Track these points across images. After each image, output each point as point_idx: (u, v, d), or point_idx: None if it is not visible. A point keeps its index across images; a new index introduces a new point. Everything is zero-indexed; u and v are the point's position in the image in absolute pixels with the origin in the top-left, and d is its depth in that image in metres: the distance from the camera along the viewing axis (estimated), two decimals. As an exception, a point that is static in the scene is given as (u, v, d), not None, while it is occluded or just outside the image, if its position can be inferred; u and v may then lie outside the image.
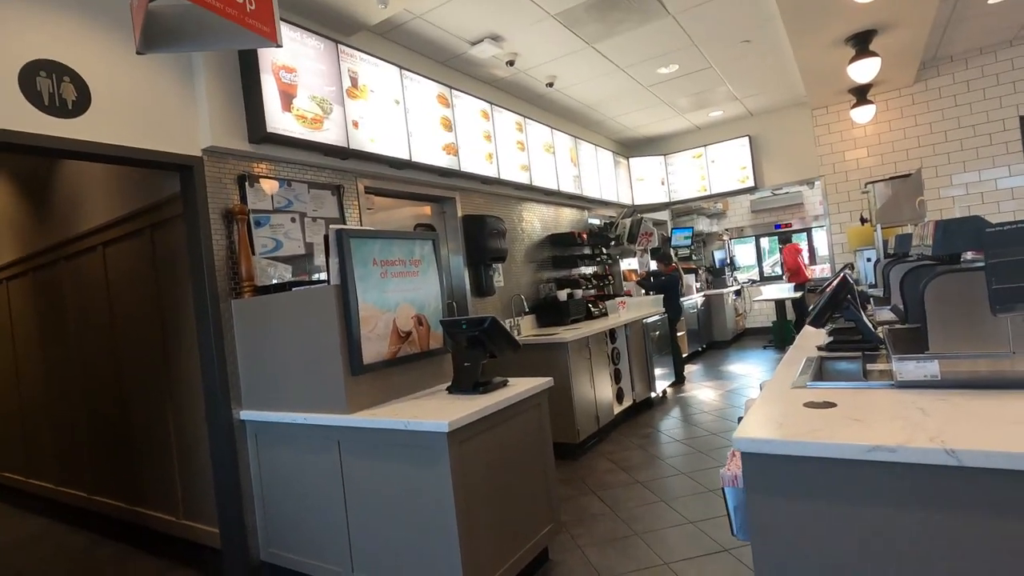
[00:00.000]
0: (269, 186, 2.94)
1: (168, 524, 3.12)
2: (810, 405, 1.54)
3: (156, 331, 3.15)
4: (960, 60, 5.60)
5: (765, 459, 1.33)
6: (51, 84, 2.19)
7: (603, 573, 2.50)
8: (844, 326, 2.52)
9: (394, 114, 3.52)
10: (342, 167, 3.32)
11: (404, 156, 3.55)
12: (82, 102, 2.29)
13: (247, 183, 2.84)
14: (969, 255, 1.89)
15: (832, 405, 1.51)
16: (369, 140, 3.30)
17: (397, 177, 3.71)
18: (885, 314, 2.78)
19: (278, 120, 2.79)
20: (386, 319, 2.47)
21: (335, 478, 2.37)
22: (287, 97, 2.86)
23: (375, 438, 2.22)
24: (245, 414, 2.67)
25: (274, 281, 2.80)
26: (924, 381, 1.57)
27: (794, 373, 1.98)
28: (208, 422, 2.70)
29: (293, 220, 3.03)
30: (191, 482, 3.01)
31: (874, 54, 4.36)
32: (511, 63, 4.41)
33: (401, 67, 3.64)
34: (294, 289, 2.56)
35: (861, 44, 4.33)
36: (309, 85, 2.98)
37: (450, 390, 2.53)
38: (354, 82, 3.26)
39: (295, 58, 2.91)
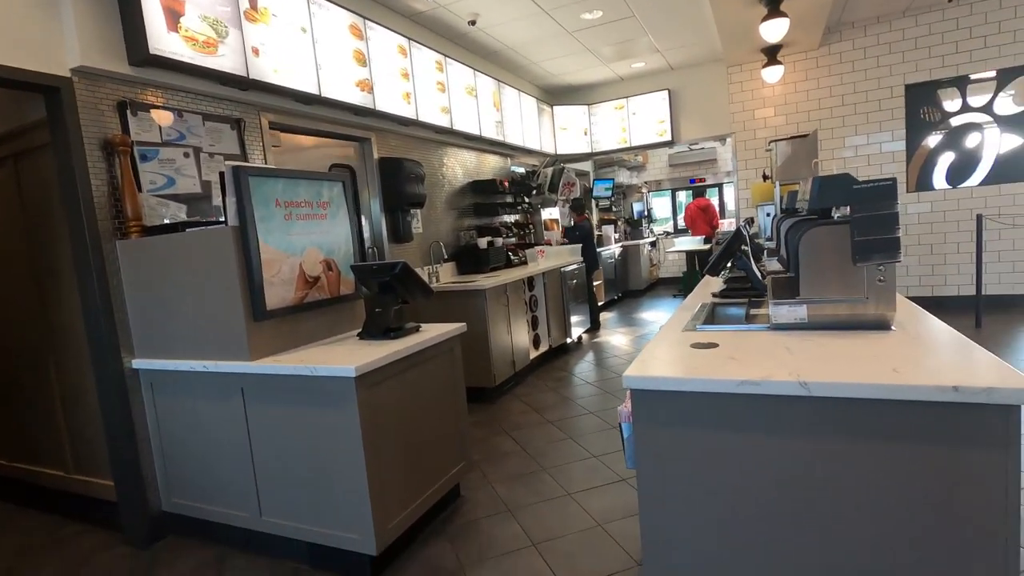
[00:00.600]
0: (158, 117, 2.66)
1: (58, 480, 2.93)
2: (696, 346, 1.67)
3: (27, 273, 2.84)
4: (860, 27, 5.94)
5: (650, 395, 1.44)
6: None
7: (509, 504, 2.65)
8: (738, 275, 2.71)
9: (301, 43, 3.26)
10: (243, 99, 3.06)
11: (313, 90, 3.32)
12: (-92, 2, 1.93)
13: (129, 111, 2.55)
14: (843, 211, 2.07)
15: (715, 345, 1.65)
16: (272, 70, 3.05)
17: (306, 113, 3.48)
18: (775, 264, 3.02)
19: (163, 40, 2.50)
20: (291, 263, 2.37)
21: (239, 425, 2.31)
22: (173, 15, 2.55)
23: (280, 384, 2.17)
24: (138, 363, 2.51)
25: (165, 221, 2.59)
26: (794, 324, 1.74)
27: (688, 317, 2.12)
28: (95, 372, 2.52)
29: (187, 155, 2.78)
30: (80, 435, 2.82)
31: (784, 14, 4.52)
32: (431, -4, 4.18)
33: (308, -10, 3.34)
34: (188, 230, 2.38)
35: (773, 3, 4.47)
36: (199, 3, 2.67)
37: (360, 336, 2.51)
38: (253, 4, 2.97)
39: (181, -30, 2.59)
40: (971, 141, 5.69)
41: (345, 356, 2.16)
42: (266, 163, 3.23)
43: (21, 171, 2.76)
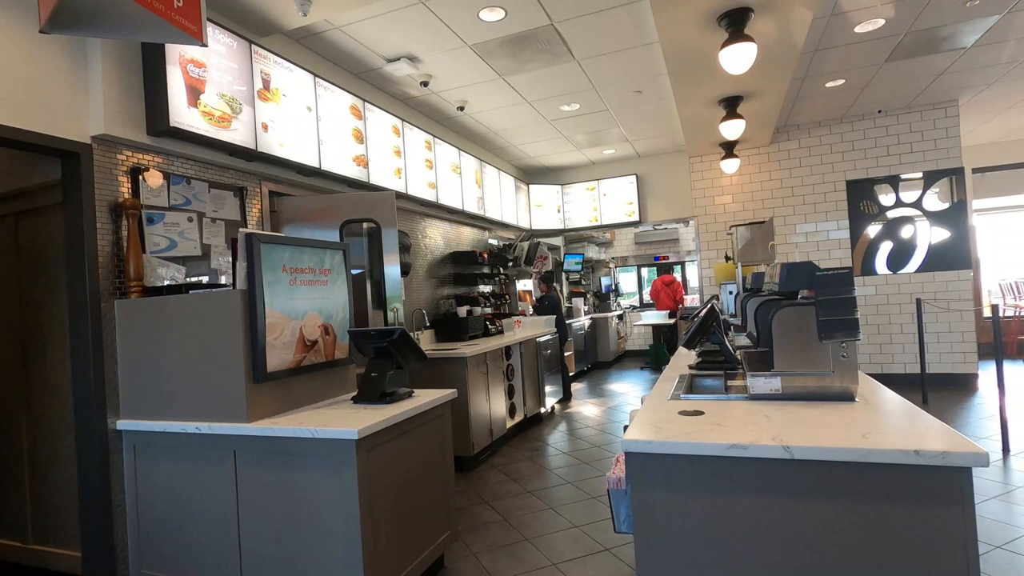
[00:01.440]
0: (163, 181, 2.78)
1: (13, 551, 2.75)
2: (683, 413, 1.82)
3: (13, 329, 2.81)
4: (805, 128, 6.66)
5: (646, 458, 1.57)
6: (-86, 47, 1.95)
7: (494, 574, 2.64)
8: (710, 349, 2.92)
9: (306, 121, 3.49)
10: (247, 168, 3.22)
11: (314, 164, 3.51)
12: (-49, 71, 2.05)
13: (141, 177, 2.67)
14: (805, 293, 2.32)
15: (701, 413, 1.80)
16: (279, 144, 3.24)
17: (304, 184, 3.66)
18: (742, 339, 3.25)
19: (183, 115, 2.67)
20: (292, 327, 2.45)
21: (228, 489, 2.28)
22: (194, 92, 2.74)
23: (277, 447, 2.19)
24: (124, 423, 2.48)
25: (166, 282, 2.64)
26: (770, 394, 1.91)
27: (670, 388, 2.28)
28: (77, 432, 2.46)
29: (190, 219, 2.89)
30: (46, 503, 2.69)
31: (740, 116, 5.07)
32: (425, 84, 4.54)
33: (315, 74, 3.62)
34: (192, 292, 2.45)
35: (731, 106, 5.02)
36: (219, 82, 2.88)
37: (355, 400, 2.55)
38: (266, 84, 3.20)
39: (205, 53, 2.81)
40: (906, 232, 6.31)
41: (343, 419, 2.21)
42: (262, 227, 3.35)
43: (21, 230, 2.79)
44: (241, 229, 2.40)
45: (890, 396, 1.89)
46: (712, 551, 1.49)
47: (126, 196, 2.60)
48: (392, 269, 3.68)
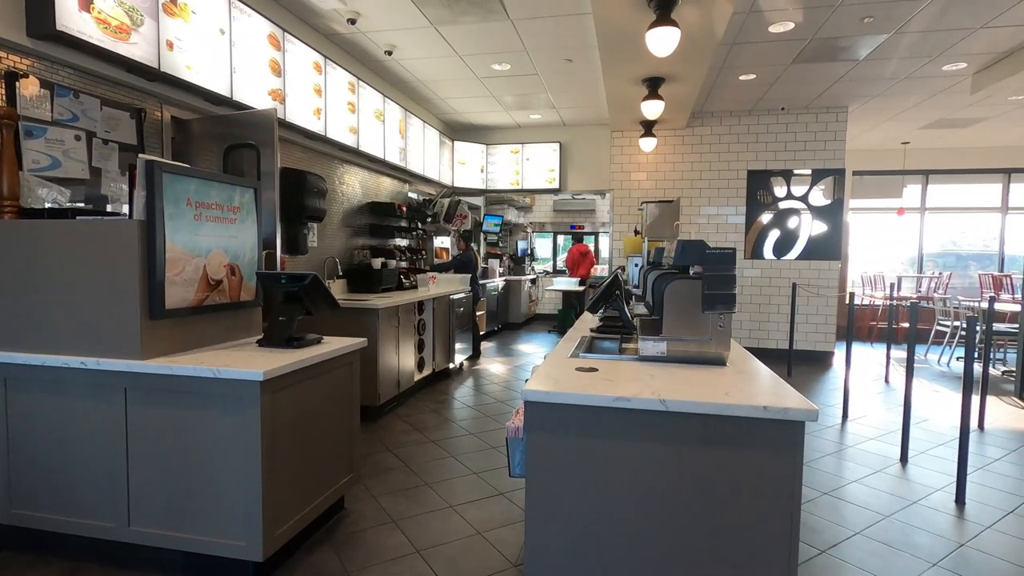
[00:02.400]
0: (44, 91, 2.49)
1: None
2: (579, 369, 1.99)
3: None
4: (717, 117, 7.08)
5: (543, 407, 1.72)
6: None
7: (393, 516, 2.76)
8: (612, 314, 3.15)
9: (218, 44, 3.23)
10: (148, 88, 2.95)
11: (224, 92, 3.28)
12: None
13: (18, 83, 2.37)
14: (697, 269, 2.57)
15: (595, 370, 1.98)
16: (185, 66, 2.99)
17: (213, 113, 3.41)
18: (641, 308, 3.53)
19: (73, 19, 2.39)
20: (196, 264, 2.34)
21: (117, 428, 2.19)
22: (87, -6, 2.45)
23: (175, 386, 2.12)
24: (-7, 355, 2.28)
25: (47, 205, 2.41)
26: (656, 356, 2.13)
27: (571, 347, 2.46)
28: (-66, 362, 2.23)
29: (78, 138, 2.62)
30: None
31: (660, 97, 5.31)
32: (352, 21, 4.31)
33: (231, -6, 3.34)
34: (80, 218, 2.26)
35: (653, 87, 5.24)
36: (117, -13, 2.59)
37: (260, 343, 2.51)
38: (173, -3, 2.91)
39: (101, -49, 2.51)
40: (792, 223, 6.99)
41: (247, 361, 2.18)
42: (163, 155, 3.10)
43: None
44: (141, 156, 2.23)
45: (755, 364, 2.17)
46: (593, 488, 1.68)
47: (-1, 103, 2.31)
48: (267, 208, 3.38)
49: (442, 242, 7.71)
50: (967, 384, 3.02)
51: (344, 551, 2.44)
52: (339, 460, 2.67)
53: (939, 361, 7.05)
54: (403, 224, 6.17)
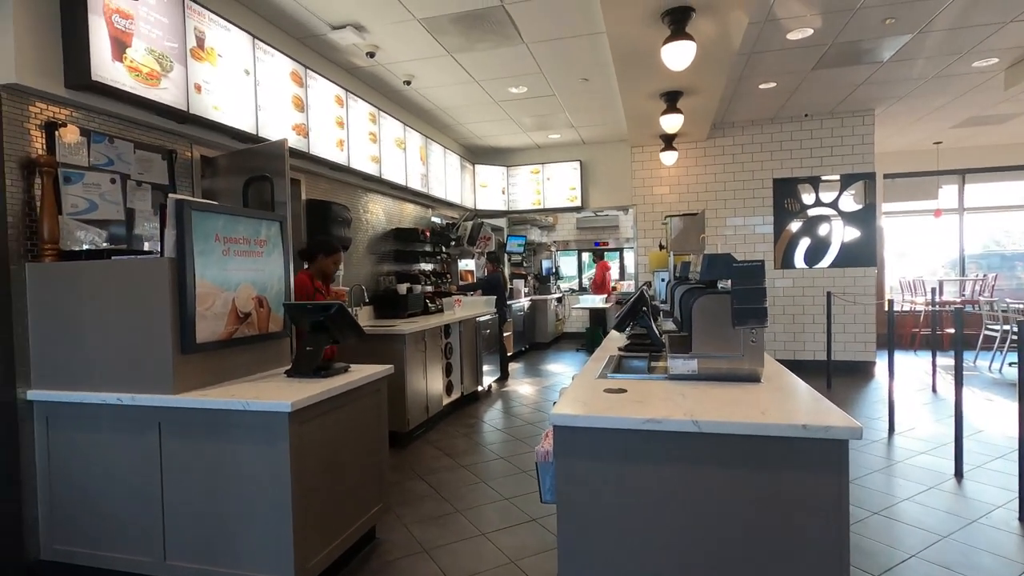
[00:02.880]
0: (82, 139, 2.60)
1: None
2: (608, 391, 1.94)
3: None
4: (739, 127, 7.00)
5: (572, 431, 1.67)
6: None
7: (425, 545, 2.72)
8: (639, 332, 3.09)
9: (243, 84, 3.34)
10: (178, 131, 3.06)
11: (251, 130, 3.38)
12: None
13: (57, 133, 2.49)
14: (726, 283, 2.51)
15: (624, 391, 1.93)
16: (213, 107, 3.10)
17: (239, 150, 3.51)
18: (669, 324, 3.46)
19: (107, 69, 2.51)
20: (225, 298, 2.39)
21: (152, 462, 2.22)
22: (120, 45, 2.57)
23: (207, 419, 2.15)
24: (35, 394, 2.35)
25: (85, 247, 2.50)
26: (687, 375, 2.07)
27: (599, 367, 2.41)
28: (-19, 403, 2.31)
29: (113, 181, 2.73)
30: (-58, 475, 2.52)
31: (679, 111, 5.28)
32: (372, 55, 4.43)
33: (254, 36, 3.46)
34: (115, 258, 2.34)
35: (671, 101, 5.22)
36: (147, 36, 2.71)
37: (289, 374, 2.53)
38: (200, 43, 3.04)
39: (133, 4, 2.64)
40: (822, 230, 6.81)
41: (276, 392, 2.20)
42: (193, 193, 3.20)
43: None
44: (171, 195, 2.30)
45: (792, 379, 2.09)
46: (626, 514, 1.62)
47: (40, 152, 2.42)
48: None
49: (466, 264, 7.75)
50: None
51: (376, 583, 2.40)
52: (369, 489, 2.66)
53: (990, 367, 6.71)
54: (427, 249, 6.23)
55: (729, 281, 2.11)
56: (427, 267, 6.43)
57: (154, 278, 2.19)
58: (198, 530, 2.18)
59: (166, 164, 3.04)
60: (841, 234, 6.75)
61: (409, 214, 6.16)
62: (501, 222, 9.49)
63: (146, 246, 2.84)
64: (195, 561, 2.19)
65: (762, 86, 5.61)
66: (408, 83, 5.12)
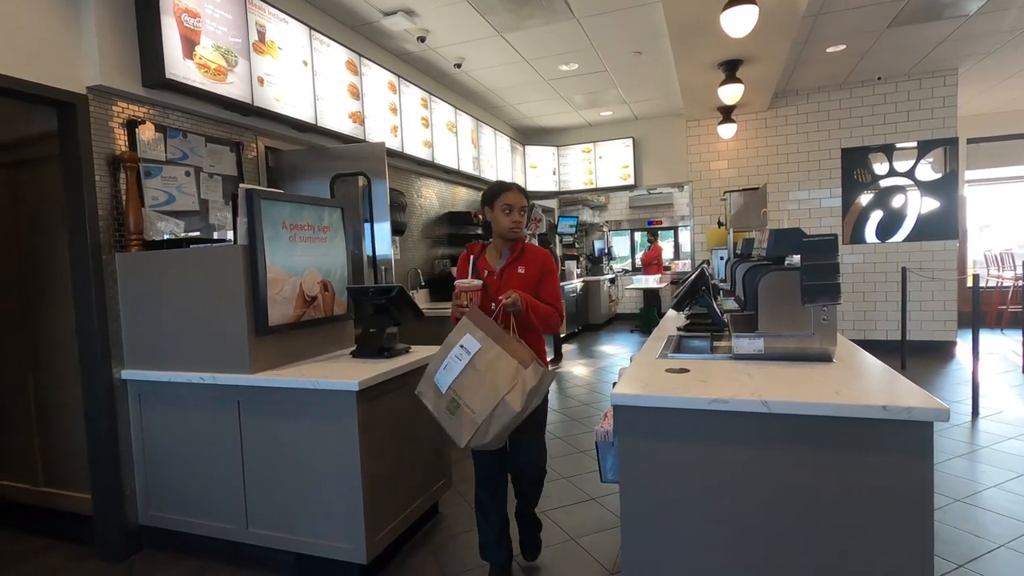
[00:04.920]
0: (158, 135, 2.76)
1: (21, 493, 2.86)
2: (670, 371, 1.91)
3: (16, 283, 2.83)
4: (803, 94, 6.61)
5: (634, 410, 1.66)
6: (-96, -9, 1.91)
7: (488, 521, 2.78)
8: (699, 312, 3.01)
9: (302, 75, 3.44)
10: (243, 123, 3.20)
11: (310, 120, 3.49)
12: (-57, 17, 2.02)
13: (138, 130, 2.65)
14: (795, 258, 2.40)
15: (686, 371, 1.89)
16: (275, 99, 3.21)
17: (300, 140, 3.64)
18: (730, 303, 3.35)
19: (179, 67, 2.64)
20: (293, 283, 2.50)
21: (232, 437, 2.38)
22: (189, 43, 2.70)
23: (280, 397, 2.27)
24: (128, 373, 2.55)
25: (166, 236, 2.67)
26: (753, 354, 2.01)
27: (659, 348, 2.37)
28: (84, 382, 2.53)
29: (188, 174, 2.89)
30: (53, 448, 2.79)
31: (739, 80, 5.04)
32: (422, 39, 4.45)
33: (311, 27, 3.55)
34: (193, 247, 2.48)
35: (730, 71, 4.98)
36: (213, 33, 2.83)
37: (354, 354, 2.63)
38: (261, 37, 3.14)
39: (199, 3, 2.76)
40: (897, 202, 6.38)
41: (343, 372, 2.29)
42: (259, 183, 3.35)
43: (20, 182, 2.78)
44: (241, 185, 2.42)
45: (866, 358, 1.99)
46: (692, 496, 1.60)
47: (123, 149, 2.59)
48: (382, 226, 3.68)
49: (518, 247, 7.75)
50: None
51: (441, 555, 2.49)
52: (432, 466, 2.74)
53: (1090, 347, 6.14)
54: (479, 232, 6.27)
55: (797, 257, 2.02)
56: (480, 250, 6.48)
57: (229, 264, 2.32)
58: (276, 500, 2.33)
59: (234, 156, 3.18)
60: (918, 205, 6.30)
61: (461, 198, 6.21)
62: (552, 203, 9.42)
63: (216, 235, 3.00)
64: (275, 529, 2.33)
65: (830, 49, 5.27)
66: (458, 66, 5.12)
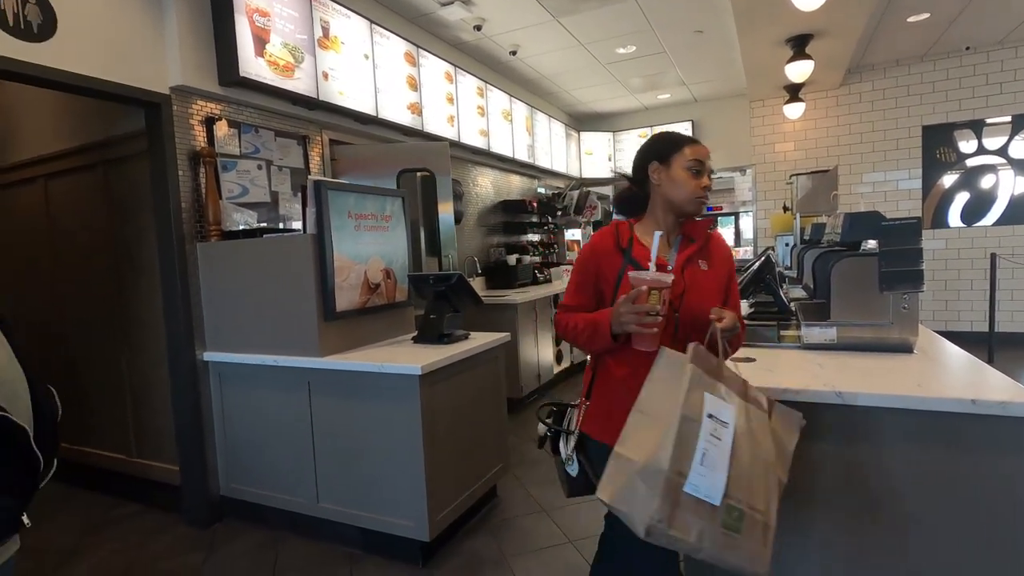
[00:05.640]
0: (233, 130, 2.92)
1: (119, 462, 3.13)
2: (734, 360, 1.86)
3: (109, 271, 3.08)
4: (880, 69, 6.18)
5: (699, 399, 1.63)
6: (15, 3, 2.10)
7: (544, 505, 2.82)
8: (763, 299, 2.90)
9: (363, 69, 3.54)
10: (308, 117, 3.32)
11: (371, 112, 3.58)
12: (47, 26, 2.20)
13: (215, 126, 2.81)
14: (870, 244, 2.27)
15: (752, 360, 1.84)
16: (338, 93, 3.32)
17: (361, 132, 3.74)
18: (797, 291, 3.21)
19: (251, 64, 2.77)
20: (358, 270, 2.59)
21: (304, 416, 2.51)
22: (260, 42, 2.83)
23: (348, 379, 2.38)
24: (209, 355, 2.73)
25: (241, 227, 2.83)
26: (824, 344, 1.92)
27: (722, 335, 2.31)
28: (170, 363, 2.74)
29: (260, 167, 3.04)
30: (145, 422, 3.03)
31: (809, 57, 4.77)
32: (478, 28, 4.47)
33: (372, 21, 3.63)
34: (266, 236, 2.62)
35: (799, 46, 4.72)
36: (282, 31, 2.95)
37: (416, 340, 2.71)
38: (325, 32, 3.25)
39: (269, 2, 2.88)
40: (986, 182, 5.88)
41: (406, 356, 2.37)
42: (324, 175, 3.48)
43: (111, 177, 3.01)
44: (310, 176, 2.53)
45: (952, 349, 1.87)
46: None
47: (203, 145, 2.76)
48: (446, 217, 3.78)
49: (573, 235, 7.70)
50: None
51: (500, 537, 2.55)
52: (491, 450, 2.79)
53: None
54: (534, 220, 6.26)
55: (872, 243, 1.91)
56: (534, 238, 6.48)
57: (299, 253, 2.44)
58: (344, 478, 2.44)
59: (301, 149, 3.32)
60: (1011, 186, 5.79)
61: (516, 186, 6.22)
62: (607, 190, 9.27)
63: (283, 225, 3.15)
64: (343, 505, 2.45)
65: (911, 19, 4.89)
66: (514, 53, 5.11)
